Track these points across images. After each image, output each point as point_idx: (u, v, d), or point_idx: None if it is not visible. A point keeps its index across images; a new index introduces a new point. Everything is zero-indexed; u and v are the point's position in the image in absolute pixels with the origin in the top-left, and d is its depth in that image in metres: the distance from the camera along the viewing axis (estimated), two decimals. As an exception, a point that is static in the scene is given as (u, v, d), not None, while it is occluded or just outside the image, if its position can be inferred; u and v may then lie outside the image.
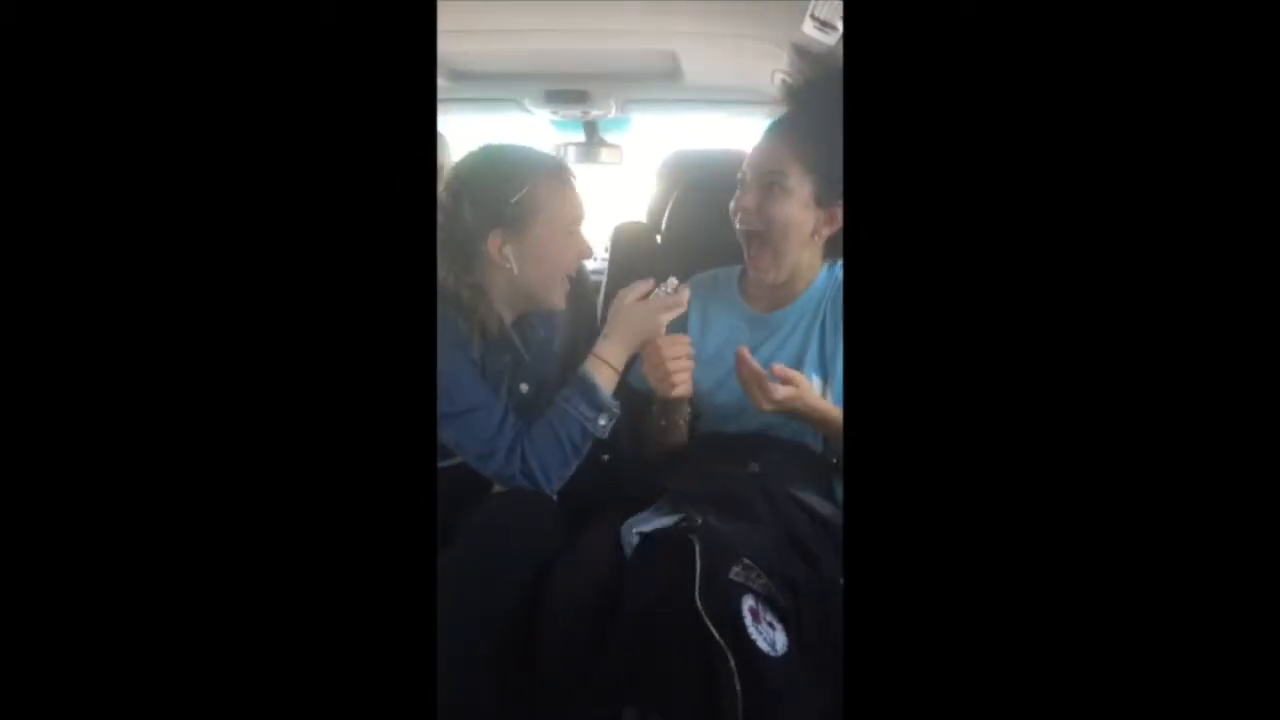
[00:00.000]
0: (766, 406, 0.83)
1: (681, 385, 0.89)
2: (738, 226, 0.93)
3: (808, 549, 0.74)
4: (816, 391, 0.90)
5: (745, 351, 0.83)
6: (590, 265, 1.76)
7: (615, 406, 0.93)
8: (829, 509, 0.84)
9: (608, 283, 1.45)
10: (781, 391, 0.82)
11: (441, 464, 1.01)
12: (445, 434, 0.90)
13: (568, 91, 1.66)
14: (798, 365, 0.92)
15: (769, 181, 0.90)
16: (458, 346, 0.92)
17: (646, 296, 0.92)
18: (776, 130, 0.94)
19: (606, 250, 1.51)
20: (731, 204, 0.94)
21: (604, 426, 0.92)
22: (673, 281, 0.93)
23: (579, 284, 1.22)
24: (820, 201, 0.90)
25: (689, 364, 0.89)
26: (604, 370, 0.91)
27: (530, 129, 2.05)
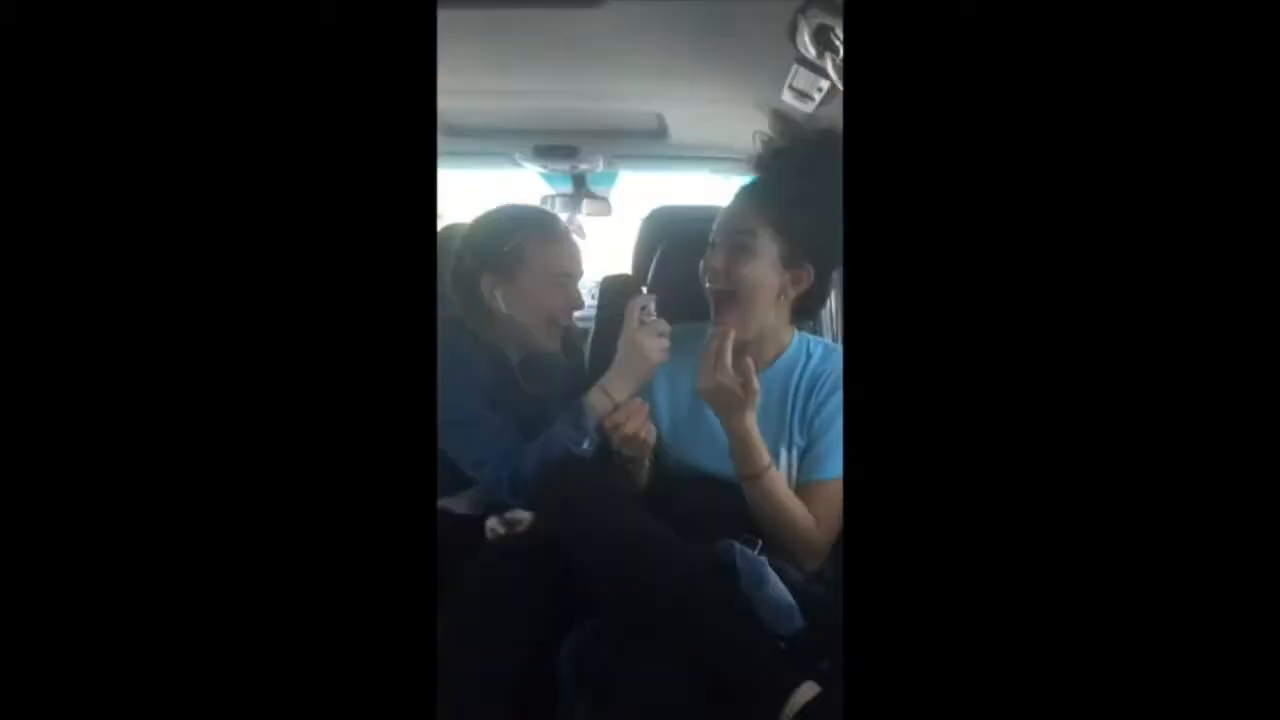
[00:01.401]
0: (706, 383, 0.86)
1: (635, 449, 0.94)
2: (706, 286, 0.97)
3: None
4: (782, 467, 0.93)
5: (729, 336, 0.87)
6: (578, 313, 1.80)
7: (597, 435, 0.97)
8: (799, 575, 0.86)
9: (594, 332, 1.48)
10: (731, 378, 0.85)
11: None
12: (446, 442, 0.96)
13: (557, 147, 1.72)
14: (770, 436, 0.94)
15: (738, 242, 0.93)
16: (463, 364, 0.99)
17: (639, 321, 0.96)
18: (748, 193, 0.98)
19: (594, 298, 1.55)
20: (701, 264, 0.98)
21: (586, 450, 0.96)
22: (649, 301, 0.97)
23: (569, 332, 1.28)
24: (788, 264, 0.93)
25: (645, 430, 0.93)
26: (601, 399, 0.95)
27: (521, 182, 2.10)
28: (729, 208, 0.97)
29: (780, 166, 0.97)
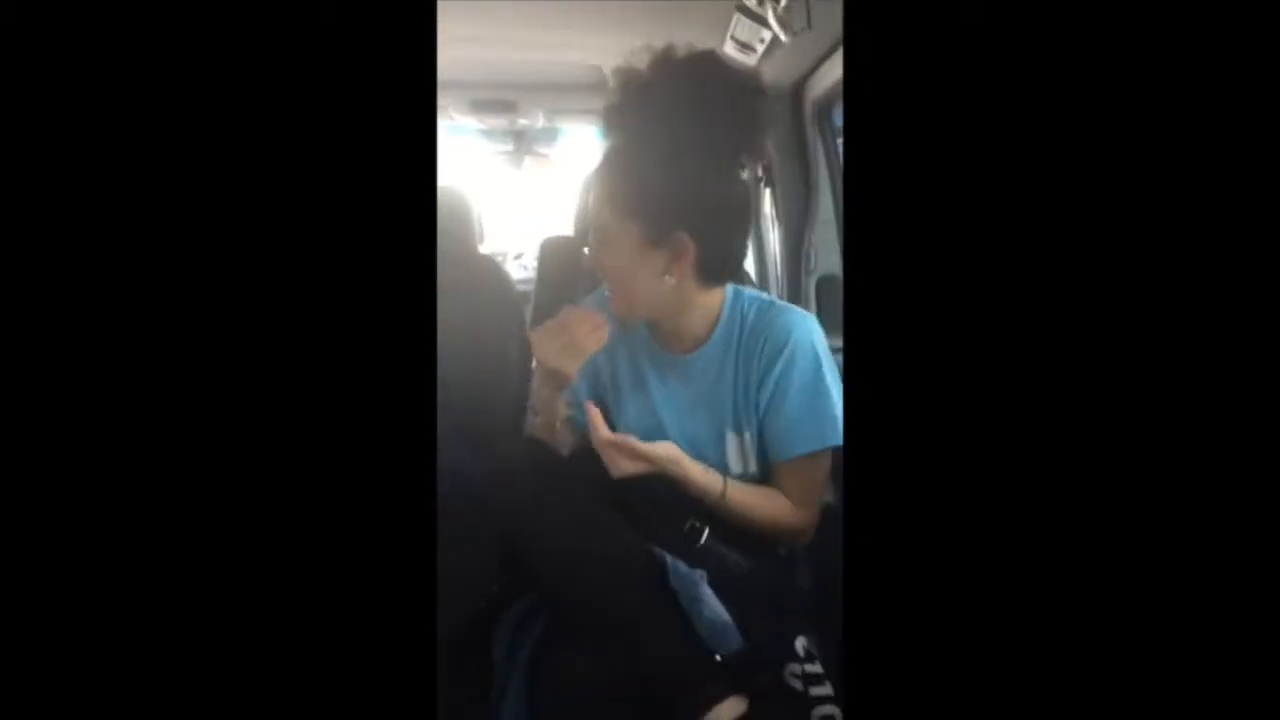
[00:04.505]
0: (618, 473, 0.80)
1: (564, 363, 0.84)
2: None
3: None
4: (734, 450, 0.87)
5: (595, 413, 0.80)
6: (519, 275, 1.76)
7: None
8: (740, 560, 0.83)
9: (536, 294, 1.44)
10: (628, 465, 0.80)
11: None
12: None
13: (494, 101, 1.65)
14: (716, 421, 0.88)
15: (596, 237, 0.84)
16: None
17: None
18: (590, 181, 0.89)
19: (518, 257, 1.51)
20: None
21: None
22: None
23: (505, 293, 1.29)
24: (657, 242, 0.81)
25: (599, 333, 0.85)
26: None
27: (459, 139, 2.03)
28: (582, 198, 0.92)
29: (623, 132, 0.84)
